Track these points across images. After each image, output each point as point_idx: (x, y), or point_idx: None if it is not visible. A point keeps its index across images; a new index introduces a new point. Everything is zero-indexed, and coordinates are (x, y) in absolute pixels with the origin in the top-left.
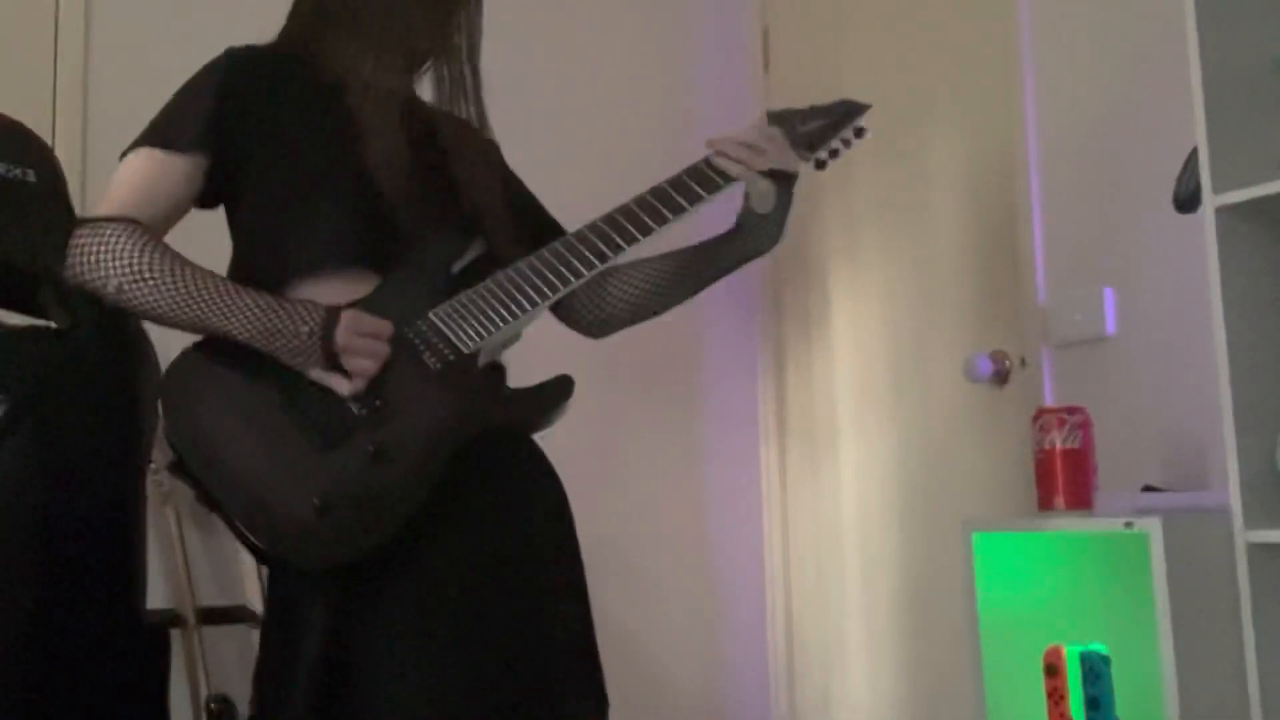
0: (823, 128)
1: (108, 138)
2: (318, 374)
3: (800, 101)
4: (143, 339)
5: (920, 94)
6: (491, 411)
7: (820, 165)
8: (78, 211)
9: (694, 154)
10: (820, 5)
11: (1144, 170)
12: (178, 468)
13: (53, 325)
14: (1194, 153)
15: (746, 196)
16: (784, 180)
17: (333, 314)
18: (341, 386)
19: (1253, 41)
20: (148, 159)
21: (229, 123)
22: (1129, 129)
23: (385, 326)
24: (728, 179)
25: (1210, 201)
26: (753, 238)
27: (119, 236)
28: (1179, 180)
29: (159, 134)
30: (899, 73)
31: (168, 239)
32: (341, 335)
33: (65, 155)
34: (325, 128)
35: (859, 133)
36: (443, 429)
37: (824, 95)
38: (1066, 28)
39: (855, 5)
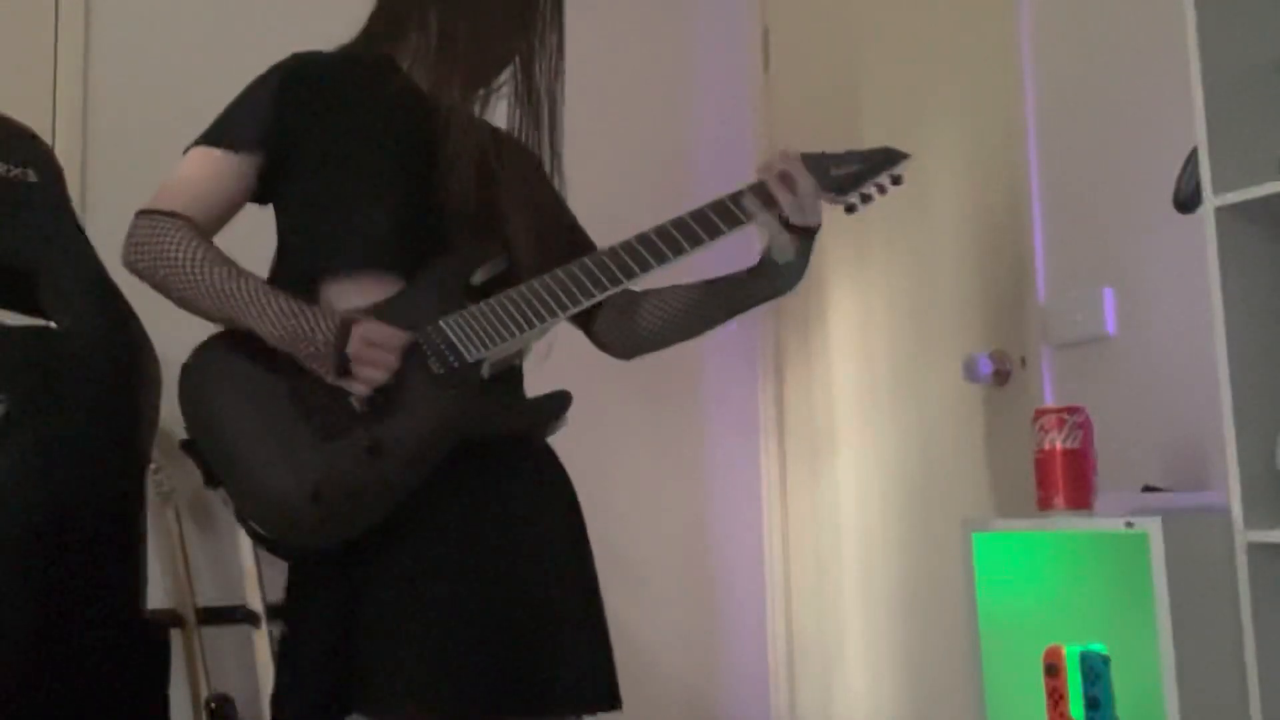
0: (857, 173)
1: (108, 138)
2: (332, 379)
3: (800, 103)
4: (143, 339)
5: (920, 94)
6: (489, 418)
7: (850, 209)
8: (77, 211)
9: (693, 154)
10: (820, 5)
11: (1144, 170)
12: (188, 446)
13: (53, 325)
14: (1194, 153)
15: (767, 243)
16: (805, 233)
17: (346, 325)
18: (356, 390)
19: (1253, 41)
20: (205, 157)
21: (285, 124)
22: (1129, 129)
23: (396, 337)
24: (751, 216)
25: (1210, 201)
26: (770, 281)
27: (170, 231)
28: (1179, 180)
29: (217, 133)
30: (899, 73)
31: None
32: (353, 346)
33: (65, 155)
34: (382, 135)
35: (896, 180)
36: (437, 431)
37: (823, 95)
38: (1066, 28)
39: (855, 6)
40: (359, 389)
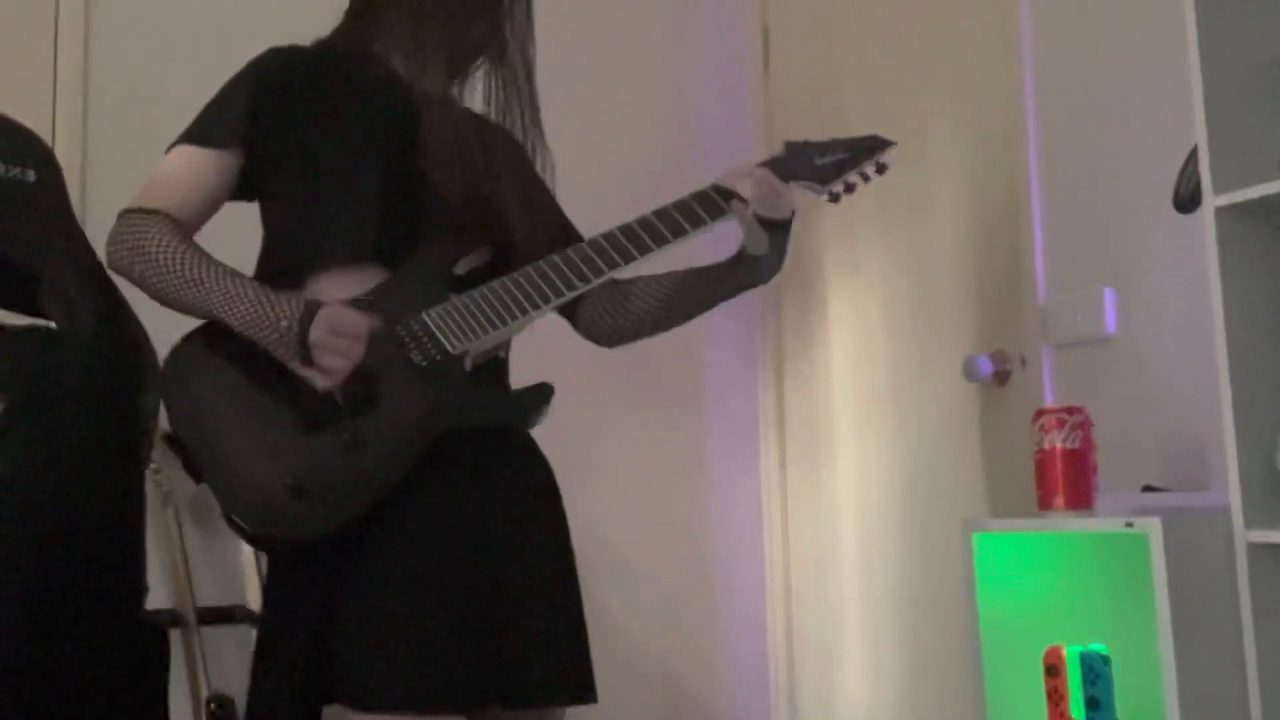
0: (841, 161)
1: (108, 138)
2: (295, 367)
3: (799, 104)
4: (142, 339)
5: (920, 94)
6: (469, 411)
7: (834, 198)
8: (77, 211)
9: (693, 153)
10: (820, 5)
11: (1144, 170)
12: (171, 439)
13: (53, 325)
14: (1194, 153)
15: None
16: (776, 226)
17: (310, 310)
18: (317, 380)
19: (1253, 41)
20: (185, 155)
21: (263, 120)
22: (1129, 129)
23: (362, 325)
24: (727, 209)
25: (1210, 201)
26: (749, 271)
27: (147, 228)
28: (1179, 180)
29: (196, 132)
30: (899, 73)
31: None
32: (314, 333)
33: (65, 155)
34: (362, 126)
35: (880, 169)
36: (418, 425)
37: (823, 95)
38: (1066, 28)
39: (855, 5)
40: (320, 380)
